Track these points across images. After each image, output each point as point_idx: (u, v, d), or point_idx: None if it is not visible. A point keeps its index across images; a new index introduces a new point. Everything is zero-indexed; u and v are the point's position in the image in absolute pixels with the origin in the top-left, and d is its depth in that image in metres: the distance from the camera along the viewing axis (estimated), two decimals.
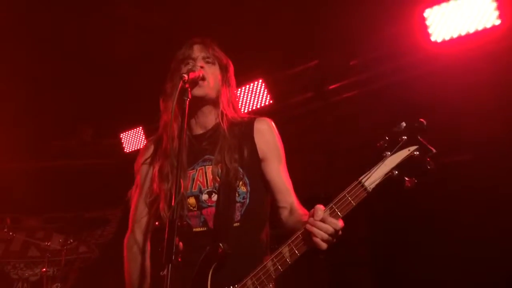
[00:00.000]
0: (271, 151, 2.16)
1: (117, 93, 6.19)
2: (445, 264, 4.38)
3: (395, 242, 4.75)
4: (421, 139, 1.62)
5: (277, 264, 1.81)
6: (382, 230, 4.89)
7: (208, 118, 2.21)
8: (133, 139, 7.20)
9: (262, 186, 2.16)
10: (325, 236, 1.68)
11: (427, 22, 4.37)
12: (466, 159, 4.55)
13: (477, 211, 4.27)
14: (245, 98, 5.82)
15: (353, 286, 5.03)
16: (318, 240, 1.69)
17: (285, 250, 1.80)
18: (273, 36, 5.25)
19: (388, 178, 1.64)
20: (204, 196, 2.10)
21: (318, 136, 5.60)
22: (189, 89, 1.94)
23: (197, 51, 2.21)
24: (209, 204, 2.09)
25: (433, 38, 4.37)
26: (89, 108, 6.75)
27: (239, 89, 5.80)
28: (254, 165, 2.13)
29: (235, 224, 2.05)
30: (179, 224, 1.63)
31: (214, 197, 2.09)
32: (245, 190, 2.09)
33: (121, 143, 7.29)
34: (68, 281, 6.85)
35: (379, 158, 1.64)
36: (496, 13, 4.01)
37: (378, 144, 1.67)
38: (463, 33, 4.21)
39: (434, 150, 1.61)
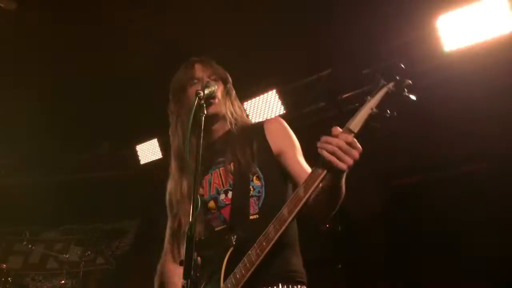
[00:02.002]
0: (286, 143, 2.18)
1: (132, 106, 6.28)
2: (462, 275, 4.32)
3: (414, 253, 4.71)
4: (397, 77, 1.72)
5: (277, 225, 1.81)
6: (401, 241, 4.84)
7: (218, 128, 2.30)
8: (148, 151, 7.28)
9: (279, 179, 2.16)
10: (333, 148, 1.67)
11: (441, 30, 4.36)
12: (481, 168, 4.50)
13: (495, 221, 4.21)
14: (258, 108, 5.86)
15: None
16: (327, 155, 1.67)
17: (284, 210, 1.81)
18: (286, 46, 5.29)
19: (369, 118, 1.73)
20: (222, 196, 2.16)
21: None
22: (204, 106, 1.97)
23: (200, 71, 2.28)
24: (227, 202, 2.14)
25: (446, 46, 4.36)
26: (105, 121, 6.86)
27: (253, 99, 5.85)
28: (268, 160, 2.15)
29: (253, 217, 2.07)
30: (197, 239, 1.64)
31: (230, 195, 2.14)
32: (259, 184, 2.12)
33: (137, 155, 7.38)
34: None
35: (363, 102, 1.77)
36: None
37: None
38: (477, 40, 4.19)
39: (409, 81, 1.72)
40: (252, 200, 2.10)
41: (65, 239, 7.78)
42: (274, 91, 5.74)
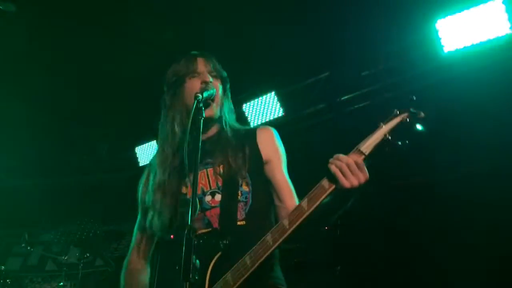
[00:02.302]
0: (275, 154, 2.20)
1: (132, 108, 6.29)
2: (463, 276, 4.31)
3: (414, 255, 4.70)
4: (411, 109, 1.79)
5: (276, 235, 1.81)
6: (401, 243, 4.83)
7: (211, 129, 2.27)
8: (147, 153, 7.29)
9: (265, 187, 2.17)
10: (341, 164, 1.73)
11: (440, 33, 4.37)
12: (482, 170, 4.50)
13: (496, 222, 4.21)
14: (257, 110, 5.86)
15: None
16: (334, 168, 1.73)
17: (285, 221, 1.82)
18: (285, 48, 5.30)
19: (382, 143, 1.77)
20: (207, 198, 2.11)
21: (330, 147, 5.59)
22: (203, 108, 1.97)
23: (202, 65, 2.23)
24: (213, 205, 2.09)
25: (445, 48, 4.37)
26: (105, 123, 6.86)
27: (252, 101, 5.86)
28: (257, 167, 2.16)
29: (240, 223, 2.05)
30: (195, 242, 1.63)
31: (218, 197, 2.10)
32: (247, 189, 2.11)
33: (136, 157, 7.39)
34: None
35: (375, 128, 1.82)
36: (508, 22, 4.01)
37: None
38: (475, 42, 4.21)
39: (423, 114, 1.77)
40: (239, 205, 2.08)
41: (64, 241, 7.76)
42: (273, 93, 5.75)
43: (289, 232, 1.80)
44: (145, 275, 2.30)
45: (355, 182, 1.71)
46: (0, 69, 5.61)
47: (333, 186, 1.76)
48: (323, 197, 1.77)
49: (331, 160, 1.77)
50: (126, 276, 2.29)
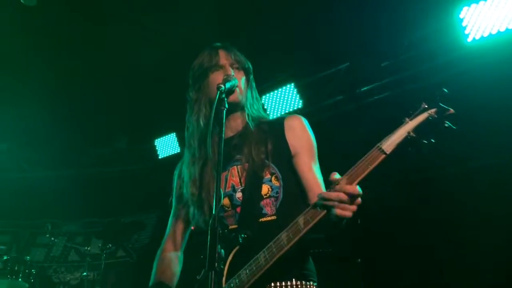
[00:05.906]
0: (303, 146, 2.13)
1: (151, 100, 6.33)
2: (477, 272, 4.24)
3: (433, 247, 4.64)
4: (441, 104, 1.63)
5: (290, 234, 1.78)
6: (422, 237, 4.77)
7: (238, 122, 2.25)
8: (166, 145, 7.35)
9: (296, 180, 2.12)
10: (336, 203, 1.65)
11: (464, 21, 4.27)
12: (505, 161, 4.40)
13: None
14: (276, 102, 5.84)
15: None
16: (330, 207, 1.67)
17: (300, 220, 1.78)
18: (304, 40, 5.25)
19: (405, 141, 1.65)
20: (238, 195, 2.12)
21: (350, 138, 5.54)
22: (225, 99, 1.96)
23: (224, 58, 2.23)
24: (241, 201, 2.11)
25: (469, 37, 4.27)
26: (124, 116, 6.93)
27: (271, 93, 5.84)
28: (286, 160, 2.12)
29: (270, 218, 2.05)
30: (220, 231, 1.64)
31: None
32: (278, 184, 2.08)
33: (155, 149, 7.46)
34: (107, 285, 7.02)
35: (400, 123, 1.68)
36: None
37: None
38: (501, 30, 4.11)
39: (452, 110, 1.61)
40: (269, 201, 2.07)
41: (86, 232, 7.91)
42: (293, 84, 5.72)
43: (291, 243, 1.79)
44: (177, 264, 2.35)
45: (349, 214, 1.66)
46: (21, 62, 5.71)
47: (325, 211, 1.72)
48: (317, 219, 1.74)
49: (321, 198, 1.70)
50: (159, 264, 2.32)
